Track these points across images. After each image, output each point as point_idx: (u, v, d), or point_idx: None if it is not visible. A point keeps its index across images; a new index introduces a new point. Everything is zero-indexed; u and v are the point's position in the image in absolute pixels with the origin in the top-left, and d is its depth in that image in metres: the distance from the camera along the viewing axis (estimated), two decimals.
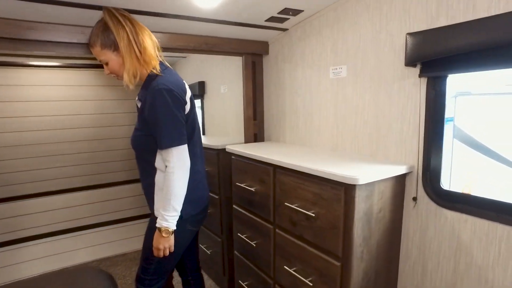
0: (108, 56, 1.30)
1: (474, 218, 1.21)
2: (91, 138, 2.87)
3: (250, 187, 1.82)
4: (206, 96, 3.27)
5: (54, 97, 2.66)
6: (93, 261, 2.83)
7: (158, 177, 1.38)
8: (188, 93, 1.41)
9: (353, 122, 1.66)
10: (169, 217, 1.29)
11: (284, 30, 2.05)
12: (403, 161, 1.44)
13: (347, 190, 1.25)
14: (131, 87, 1.33)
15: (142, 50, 1.29)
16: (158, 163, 1.36)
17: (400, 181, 1.41)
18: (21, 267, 2.60)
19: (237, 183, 1.95)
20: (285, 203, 1.55)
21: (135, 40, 1.27)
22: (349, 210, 1.25)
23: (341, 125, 1.74)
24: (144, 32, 1.32)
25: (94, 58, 1.41)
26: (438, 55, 1.18)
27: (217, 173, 2.31)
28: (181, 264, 1.70)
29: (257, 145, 2.13)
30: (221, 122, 2.99)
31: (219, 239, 2.42)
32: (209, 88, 3.17)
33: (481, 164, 1.58)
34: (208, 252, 2.59)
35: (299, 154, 1.72)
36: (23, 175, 2.61)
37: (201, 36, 1.99)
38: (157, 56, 1.37)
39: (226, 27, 1.89)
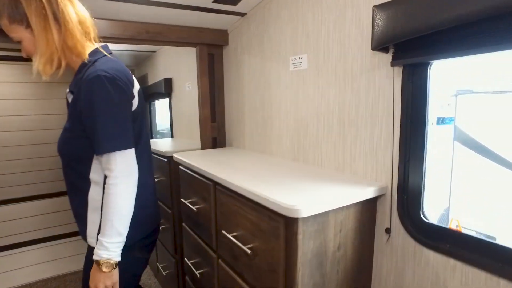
0: (19, 33, 0.95)
1: (465, 265, 0.85)
2: (16, 143, 2.48)
3: (193, 205, 1.47)
4: (173, 95, 2.93)
5: None
6: (37, 282, 2.50)
7: (93, 193, 1.03)
8: (136, 86, 1.06)
9: (315, 128, 1.31)
10: (111, 244, 0.95)
11: (242, 14, 1.70)
12: (374, 177, 1.09)
13: (287, 223, 0.90)
14: (45, 77, 0.97)
15: (64, 29, 0.93)
16: (94, 174, 1.02)
17: (368, 206, 1.06)
18: None
19: (181, 199, 1.60)
20: (223, 231, 1.19)
21: (54, 15, 0.92)
22: (291, 250, 0.90)
23: (302, 131, 1.39)
24: (70, 6, 0.96)
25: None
26: (416, 33, 0.82)
27: (169, 184, 1.96)
28: None
29: (209, 153, 1.78)
30: (188, 123, 2.64)
31: (173, 260, 2.07)
32: (176, 86, 2.82)
33: (486, 177, 1.36)
34: (164, 273, 2.24)
35: (249, 167, 1.37)
36: None
37: (141, 22, 1.65)
38: (91, 42, 1.03)
39: (170, 11, 1.55)
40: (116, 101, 0.93)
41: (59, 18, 0.92)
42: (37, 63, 0.94)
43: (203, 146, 1.97)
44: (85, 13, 1.01)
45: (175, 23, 1.73)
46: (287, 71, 1.43)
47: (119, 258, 0.97)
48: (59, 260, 2.55)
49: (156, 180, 2.03)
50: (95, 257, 0.95)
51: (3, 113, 2.36)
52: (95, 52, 1.00)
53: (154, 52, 3.21)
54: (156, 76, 3.22)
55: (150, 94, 3.38)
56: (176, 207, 1.92)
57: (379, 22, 0.92)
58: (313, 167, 1.32)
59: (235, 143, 1.97)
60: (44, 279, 2.53)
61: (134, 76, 1.08)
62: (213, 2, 1.49)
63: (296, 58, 1.36)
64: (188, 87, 2.49)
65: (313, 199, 0.91)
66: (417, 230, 0.97)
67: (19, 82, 2.42)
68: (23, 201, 2.48)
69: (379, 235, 1.08)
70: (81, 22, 0.98)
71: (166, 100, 3.12)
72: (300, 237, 0.89)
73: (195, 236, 1.56)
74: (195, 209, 1.45)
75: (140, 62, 3.76)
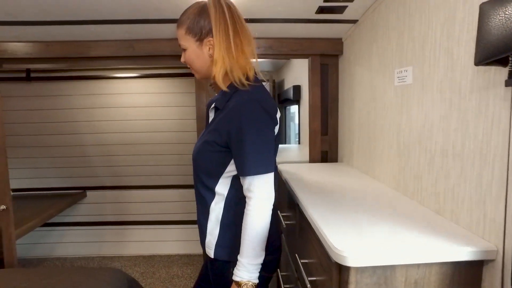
0: (189, 43, 1.03)
1: None
2: (175, 141, 3.11)
3: (284, 220, 1.49)
4: (302, 102, 2.98)
5: (143, 103, 3.06)
6: (175, 255, 3.12)
7: (215, 205, 1.05)
8: (278, 113, 1.08)
9: (416, 155, 1.07)
10: (251, 266, 0.94)
11: (354, 21, 1.56)
12: (480, 233, 0.81)
13: (340, 269, 0.80)
14: (223, 87, 1.00)
15: (238, 50, 0.99)
16: (220, 187, 1.04)
17: (467, 272, 0.79)
18: (126, 245, 3.16)
19: (278, 211, 1.65)
20: (296, 254, 1.17)
21: (234, 36, 0.99)
22: None
23: (404, 157, 1.16)
24: (245, 31, 1.02)
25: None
26: None
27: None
28: None
29: (311, 168, 1.74)
30: None
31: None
32: (305, 93, 2.87)
33: None
34: None
35: (338, 190, 1.27)
36: (127, 169, 3.12)
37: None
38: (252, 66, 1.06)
39: (276, 25, 1.61)
40: (264, 127, 0.96)
41: (238, 40, 0.98)
42: (218, 75, 0.99)
43: (311, 160, 1.94)
44: (251, 34, 1.03)
45: (285, 36, 1.77)
46: (391, 86, 1.23)
47: (257, 280, 0.96)
48: (191, 241, 3.10)
49: None
50: (235, 278, 0.95)
51: (157, 117, 3.08)
52: (249, 78, 1.00)
53: (288, 59, 3.36)
54: (289, 82, 3.37)
55: (284, 100, 3.57)
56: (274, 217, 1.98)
57: (487, 26, 0.67)
58: (410, 202, 1.09)
59: (345, 159, 1.84)
60: (180, 255, 3.13)
61: (274, 80, 1.10)
62: (316, 13, 1.45)
63: (401, 71, 1.15)
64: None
65: (373, 247, 0.77)
66: None
67: (165, 93, 3.10)
68: (171, 188, 3.16)
69: None
70: (250, 43, 1.02)
71: (295, 107, 3.22)
72: (351, 286, 0.77)
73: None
74: (284, 224, 1.47)
75: (279, 68, 4.01)
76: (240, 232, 0.96)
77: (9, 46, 1.75)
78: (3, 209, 1.67)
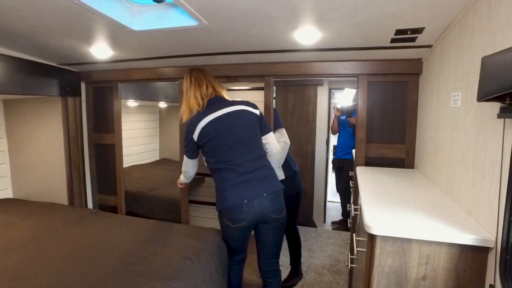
0: None
1: None
2: None
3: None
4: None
5: None
6: None
7: None
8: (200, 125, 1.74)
9: (459, 167, 1.29)
10: None
11: (428, 46, 1.77)
12: (487, 226, 1.04)
13: (371, 237, 1.15)
14: None
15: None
16: None
17: (473, 254, 1.04)
18: None
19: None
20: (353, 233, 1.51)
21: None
22: (371, 259, 1.15)
23: (452, 167, 1.38)
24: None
25: None
26: None
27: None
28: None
29: (383, 172, 2.00)
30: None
31: None
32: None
33: None
34: None
35: (395, 189, 1.56)
36: None
37: (341, 61, 2.15)
38: None
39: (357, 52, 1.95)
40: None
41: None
42: None
43: (357, 163, 2.24)
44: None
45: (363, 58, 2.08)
46: (448, 107, 1.45)
47: None
48: None
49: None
50: None
51: None
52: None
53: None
54: None
55: None
56: None
57: (488, 72, 0.93)
58: (448, 202, 1.32)
59: (419, 167, 2.04)
60: None
61: None
62: (390, 42, 1.73)
63: (455, 95, 1.38)
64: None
65: (395, 224, 1.09)
66: None
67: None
68: None
69: None
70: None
71: None
72: (377, 250, 1.12)
73: None
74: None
75: None
76: None
77: (165, 70, 2.57)
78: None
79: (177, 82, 2.61)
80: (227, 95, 1.83)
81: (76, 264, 1.63)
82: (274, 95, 3.93)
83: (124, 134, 2.95)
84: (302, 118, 3.80)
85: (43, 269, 1.58)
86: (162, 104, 4.46)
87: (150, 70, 2.60)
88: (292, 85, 3.79)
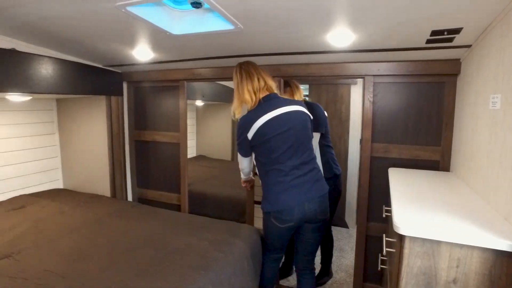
0: None
1: None
2: None
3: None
4: None
5: None
6: None
7: None
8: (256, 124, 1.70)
9: (495, 170, 1.26)
10: None
11: (468, 46, 1.72)
12: None
13: (400, 237, 1.16)
14: None
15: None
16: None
17: (509, 261, 1.02)
18: None
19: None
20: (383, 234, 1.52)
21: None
22: (400, 259, 1.16)
23: (490, 168, 1.35)
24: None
25: None
26: None
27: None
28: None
29: (414, 174, 1.97)
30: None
31: None
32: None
33: None
34: None
35: (428, 190, 1.54)
36: None
37: (375, 62, 2.13)
38: None
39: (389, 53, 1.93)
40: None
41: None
42: None
43: (362, 164, 2.25)
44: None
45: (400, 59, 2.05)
46: (486, 109, 1.41)
47: None
48: None
49: None
50: None
51: None
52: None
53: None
54: None
55: None
56: None
57: None
58: (483, 205, 1.29)
59: (454, 170, 1.98)
60: None
61: None
62: (426, 43, 1.70)
63: (494, 97, 1.34)
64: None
65: (424, 225, 1.10)
66: None
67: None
68: None
69: None
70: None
71: None
72: (405, 251, 1.13)
73: None
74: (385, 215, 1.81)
75: None
76: None
77: (202, 71, 2.68)
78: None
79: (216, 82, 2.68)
80: (277, 89, 1.79)
81: (120, 251, 1.78)
82: (307, 93, 3.96)
83: None
84: (335, 117, 3.78)
85: (92, 254, 1.74)
86: (199, 103, 4.63)
87: (187, 71, 2.72)
88: (325, 84, 3.79)
